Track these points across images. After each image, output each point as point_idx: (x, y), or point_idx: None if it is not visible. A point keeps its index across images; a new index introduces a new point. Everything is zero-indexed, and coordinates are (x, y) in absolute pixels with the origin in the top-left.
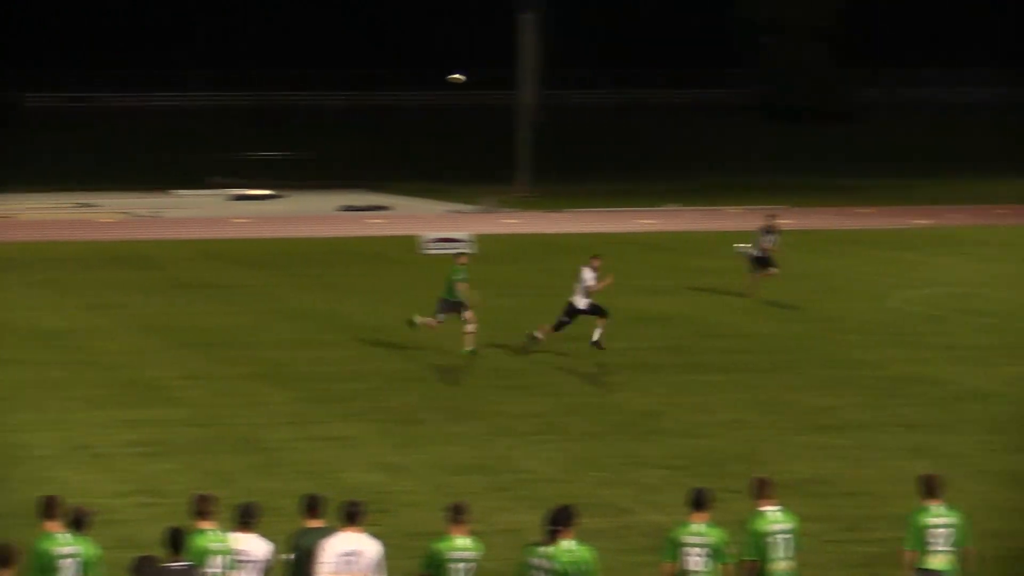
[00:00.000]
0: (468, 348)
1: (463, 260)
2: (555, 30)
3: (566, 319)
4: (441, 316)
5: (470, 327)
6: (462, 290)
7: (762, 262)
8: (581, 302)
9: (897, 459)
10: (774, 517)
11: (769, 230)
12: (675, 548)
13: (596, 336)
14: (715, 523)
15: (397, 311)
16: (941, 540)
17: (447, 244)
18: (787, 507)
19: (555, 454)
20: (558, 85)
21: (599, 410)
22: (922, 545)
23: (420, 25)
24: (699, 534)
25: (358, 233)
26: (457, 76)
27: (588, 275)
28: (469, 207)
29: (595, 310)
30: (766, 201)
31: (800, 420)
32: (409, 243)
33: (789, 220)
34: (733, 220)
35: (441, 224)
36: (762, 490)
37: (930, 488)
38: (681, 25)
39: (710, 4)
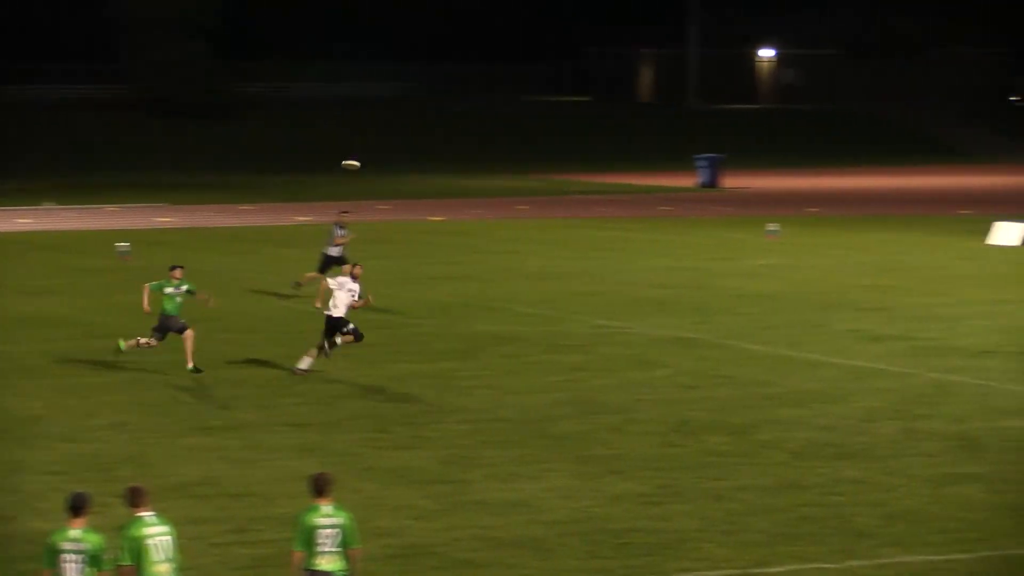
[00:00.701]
0: (191, 365)
1: (177, 275)
2: None
3: (329, 335)
4: (158, 335)
5: (190, 344)
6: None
7: (336, 260)
8: (338, 312)
9: (285, 459)
10: (150, 521)
11: (340, 226)
12: (53, 555)
13: (339, 341)
14: (93, 528)
15: None
16: (329, 541)
17: None
18: (170, 511)
19: None
20: None
21: None
22: (310, 546)
23: None
24: (76, 540)
25: None
26: (352, 162)
27: (349, 286)
28: None
29: (352, 330)
30: (147, 199)
31: (187, 421)
32: None
33: (169, 218)
34: (113, 219)
35: None
36: (134, 498)
37: (318, 487)
38: (67, 20)
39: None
